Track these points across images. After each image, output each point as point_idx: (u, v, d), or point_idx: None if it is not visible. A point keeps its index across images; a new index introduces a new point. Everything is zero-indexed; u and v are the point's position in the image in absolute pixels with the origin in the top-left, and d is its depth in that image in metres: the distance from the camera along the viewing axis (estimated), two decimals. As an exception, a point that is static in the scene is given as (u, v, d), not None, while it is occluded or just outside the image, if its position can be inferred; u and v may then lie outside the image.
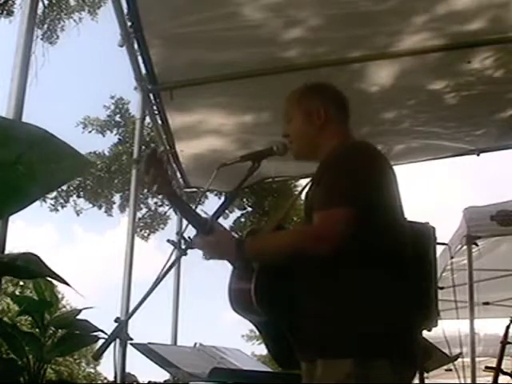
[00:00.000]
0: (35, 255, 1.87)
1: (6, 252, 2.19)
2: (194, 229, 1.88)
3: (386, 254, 1.74)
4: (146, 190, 2.05)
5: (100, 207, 11.85)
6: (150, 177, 1.91)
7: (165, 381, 3.84)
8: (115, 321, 1.70)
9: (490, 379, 4.27)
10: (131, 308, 1.91)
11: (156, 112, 4.32)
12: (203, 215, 1.93)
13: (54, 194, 11.39)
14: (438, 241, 2.56)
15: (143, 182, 1.94)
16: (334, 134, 1.94)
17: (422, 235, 2.43)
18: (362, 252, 1.71)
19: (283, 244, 1.81)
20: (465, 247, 5.14)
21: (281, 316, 1.85)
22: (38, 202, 10.92)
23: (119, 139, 11.70)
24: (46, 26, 11.07)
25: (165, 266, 1.76)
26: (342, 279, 1.72)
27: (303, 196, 2.07)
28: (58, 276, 1.88)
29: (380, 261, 1.73)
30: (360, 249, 1.70)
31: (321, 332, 1.73)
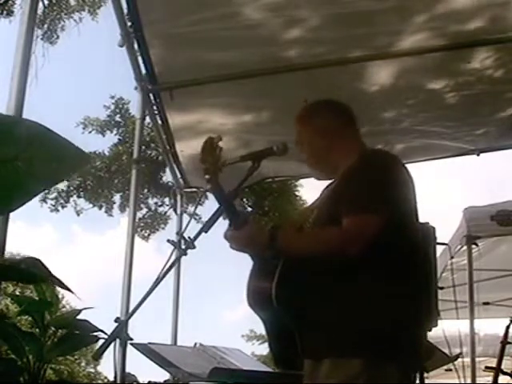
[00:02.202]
0: (38, 260, 1.88)
1: (6, 251, 2.19)
2: (229, 221, 1.90)
3: (404, 259, 1.80)
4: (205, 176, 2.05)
5: (100, 207, 11.85)
6: (206, 165, 1.92)
7: (165, 381, 3.84)
8: (115, 321, 1.70)
9: (490, 379, 4.27)
10: (131, 308, 1.91)
11: (156, 112, 4.32)
12: (239, 209, 1.93)
13: (55, 194, 11.40)
14: (438, 241, 2.56)
15: (204, 170, 1.94)
16: (348, 150, 1.97)
17: (422, 235, 2.42)
18: (381, 256, 1.74)
19: (317, 240, 1.84)
20: (465, 247, 5.14)
21: (295, 314, 1.85)
22: (38, 203, 10.93)
23: (119, 139, 11.69)
24: (46, 25, 11.07)
25: (165, 266, 1.76)
26: (359, 281, 1.75)
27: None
28: (59, 281, 1.88)
29: (397, 264, 1.78)
30: (380, 253, 1.73)
31: (332, 331, 1.74)
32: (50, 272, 1.83)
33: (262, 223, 9.50)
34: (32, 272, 1.83)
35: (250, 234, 1.86)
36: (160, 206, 11.83)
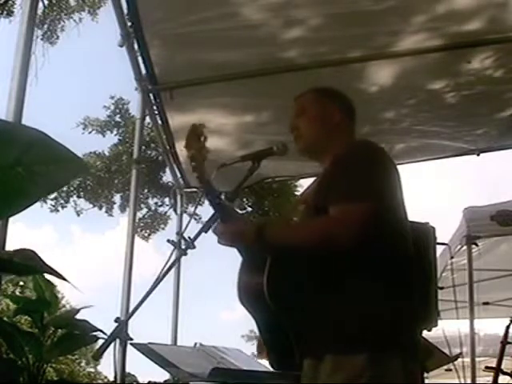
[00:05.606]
0: (32, 251, 1.87)
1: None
2: (216, 213, 1.88)
3: (397, 253, 1.78)
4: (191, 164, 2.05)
5: (100, 207, 11.84)
6: (191, 152, 1.91)
7: (165, 381, 3.84)
8: (115, 321, 1.70)
9: (490, 379, 4.27)
10: (131, 308, 1.91)
11: (156, 112, 4.32)
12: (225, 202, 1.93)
13: (55, 194, 11.37)
14: (438, 241, 2.56)
15: (189, 156, 1.94)
16: (342, 141, 1.97)
17: (422, 235, 2.42)
18: (376, 249, 1.71)
19: (309, 230, 1.81)
20: (465, 247, 5.14)
21: (289, 311, 1.82)
22: (38, 203, 10.91)
23: (119, 139, 11.68)
24: (46, 26, 11.06)
25: (165, 266, 1.76)
26: (357, 275, 1.73)
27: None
28: (55, 271, 1.88)
29: (391, 259, 1.75)
30: (375, 246, 1.70)
31: (333, 327, 1.73)
32: (45, 262, 1.82)
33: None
34: (26, 263, 1.83)
35: (238, 228, 1.85)
36: (160, 206, 11.81)
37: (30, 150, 0.96)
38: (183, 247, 1.80)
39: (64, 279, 1.80)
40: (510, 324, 4.24)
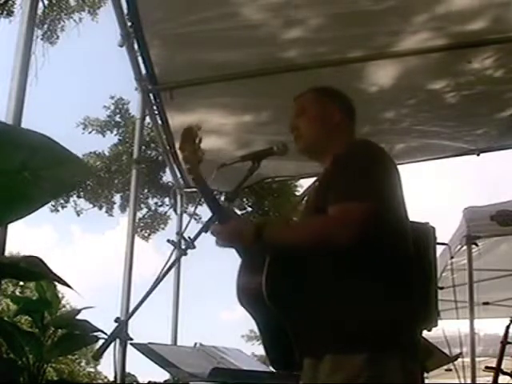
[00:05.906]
0: (38, 258, 1.88)
1: (7, 253, 2.19)
2: (213, 214, 1.87)
3: (397, 253, 1.77)
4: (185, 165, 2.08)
5: (100, 207, 11.84)
6: (184, 154, 1.92)
7: (165, 381, 3.84)
8: (115, 321, 1.70)
9: (490, 379, 4.27)
10: (131, 308, 1.91)
11: (156, 112, 4.33)
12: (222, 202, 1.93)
13: (54, 194, 11.35)
14: (438, 241, 2.56)
15: (183, 157, 1.96)
16: (342, 141, 1.96)
17: (422, 235, 2.42)
18: (376, 249, 1.71)
19: (308, 229, 1.81)
20: (465, 247, 5.13)
21: (288, 311, 1.82)
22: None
23: (119, 139, 11.67)
24: (46, 26, 11.06)
25: (165, 266, 1.76)
26: (357, 275, 1.72)
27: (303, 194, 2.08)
28: (60, 279, 1.89)
29: (391, 259, 1.75)
30: (375, 246, 1.70)
31: (333, 327, 1.72)
32: (50, 269, 1.83)
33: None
34: (31, 269, 1.84)
35: (236, 228, 1.84)
36: (160, 206, 11.80)
37: (36, 154, 0.96)
38: (183, 247, 1.80)
39: (68, 286, 1.81)
40: (510, 324, 4.24)
